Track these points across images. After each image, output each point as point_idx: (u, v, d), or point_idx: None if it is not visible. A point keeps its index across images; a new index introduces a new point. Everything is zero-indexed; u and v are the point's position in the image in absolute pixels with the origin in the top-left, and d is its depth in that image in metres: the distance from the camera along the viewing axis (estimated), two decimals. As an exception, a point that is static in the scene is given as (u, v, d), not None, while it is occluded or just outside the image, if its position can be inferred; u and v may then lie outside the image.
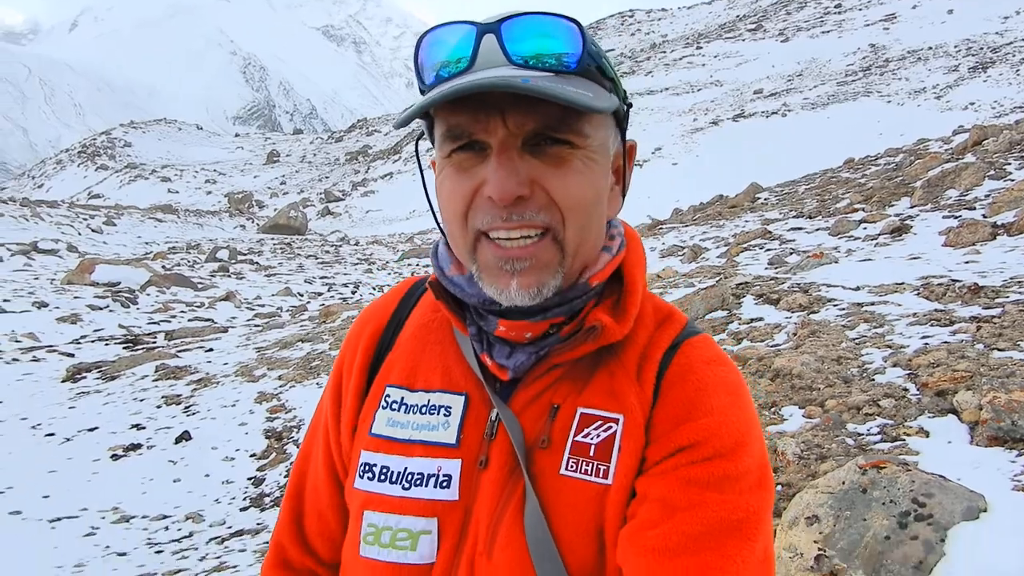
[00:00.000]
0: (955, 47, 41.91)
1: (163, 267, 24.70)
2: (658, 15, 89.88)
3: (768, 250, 10.40)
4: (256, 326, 15.03)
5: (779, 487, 3.02)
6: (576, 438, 0.97)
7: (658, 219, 20.45)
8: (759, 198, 18.15)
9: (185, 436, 7.19)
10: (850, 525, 2.38)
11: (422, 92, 0.95)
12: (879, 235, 9.66)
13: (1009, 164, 11.20)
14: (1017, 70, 34.31)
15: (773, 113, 38.22)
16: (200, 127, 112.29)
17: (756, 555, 0.89)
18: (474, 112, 0.90)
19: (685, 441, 0.93)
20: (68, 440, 7.48)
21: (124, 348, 13.26)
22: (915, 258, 7.29)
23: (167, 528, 5.42)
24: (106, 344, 13.56)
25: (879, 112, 33.64)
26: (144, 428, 7.63)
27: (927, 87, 35.94)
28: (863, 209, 11.80)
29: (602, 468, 0.95)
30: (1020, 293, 4.86)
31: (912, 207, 10.94)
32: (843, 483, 2.50)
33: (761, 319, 5.53)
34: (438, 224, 1.05)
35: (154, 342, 13.86)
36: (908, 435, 3.19)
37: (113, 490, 6.18)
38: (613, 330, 0.98)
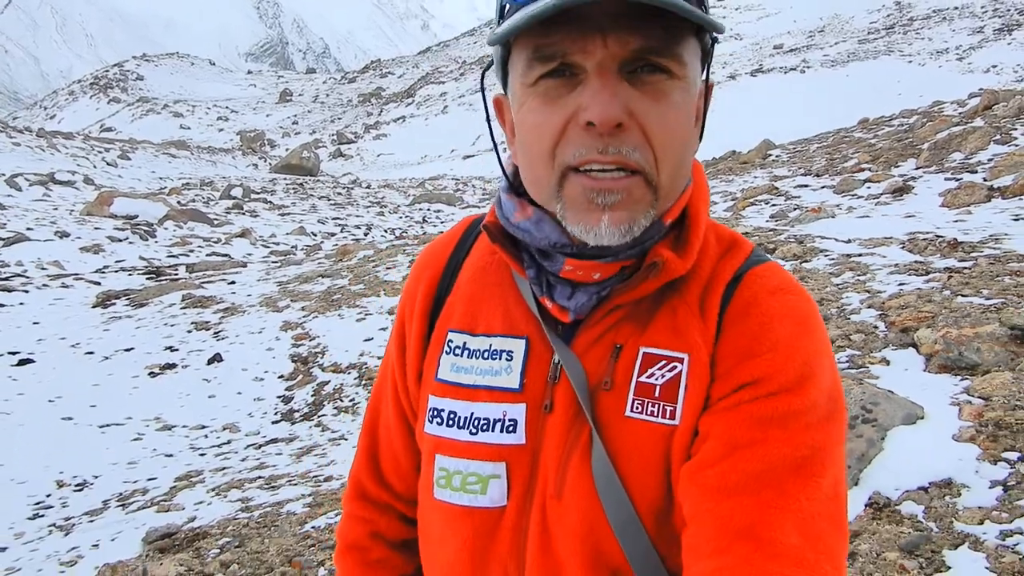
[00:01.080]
0: (981, 7, 41.32)
1: (178, 203, 25.04)
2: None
3: (773, 205, 10.74)
4: (274, 262, 15.49)
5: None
6: (640, 379, 0.95)
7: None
8: (771, 155, 18.38)
9: (216, 358, 7.73)
10: (808, 427, 2.88)
11: (501, 12, 0.91)
12: (881, 194, 9.96)
13: (1016, 129, 11.36)
14: (1044, 34, 34.10)
15: (792, 69, 38.00)
16: (213, 63, 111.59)
17: (822, 491, 0.86)
18: (569, 30, 0.84)
19: (748, 377, 0.91)
20: (107, 359, 8.02)
21: (147, 279, 13.72)
22: (910, 216, 7.68)
23: (207, 436, 5.96)
24: (129, 275, 14.02)
25: (900, 72, 33.30)
26: (177, 350, 8.16)
27: (950, 48, 35.58)
28: (869, 169, 12.03)
29: (668, 409, 0.93)
30: (994, 249, 5.29)
31: (917, 168, 11.18)
32: None
33: (758, 267, 5.97)
34: (501, 165, 1.04)
35: (176, 274, 14.33)
36: (872, 364, 3.67)
37: (153, 403, 6.73)
38: (675, 265, 0.94)
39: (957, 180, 9.46)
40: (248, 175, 39.88)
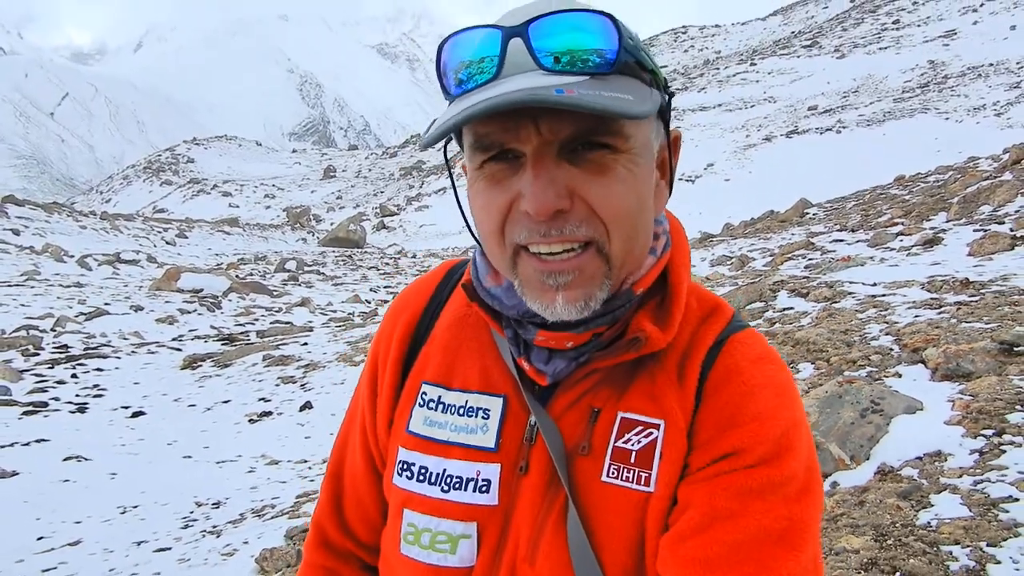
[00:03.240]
0: (1017, 64, 41.43)
1: (238, 276, 26.22)
2: (711, 31, 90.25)
3: (810, 259, 11.41)
4: (338, 326, 16.47)
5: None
6: (617, 443, 0.95)
7: (710, 233, 21.35)
8: (807, 213, 18.98)
9: (307, 405, 8.62)
10: (828, 416, 3.65)
11: (447, 98, 0.91)
12: (912, 246, 10.47)
13: None
14: (1080, 87, 33.98)
15: (827, 130, 38.39)
16: (259, 143, 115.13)
17: (801, 565, 0.87)
18: (504, 121, 0.85)
19: (729, 448, 0.91)
20: (208, 409, 8.96)
21: (223, 344, 14.73)
22: (935, 264, 8.35)
23: (311, 468, 6.79)
24: (205, 341, 15.00)
25: (936, 129, 33.04)
26: (270, 400, 9.08)
27: (987, 104, 35.54)
28: (902, 223, 12.52)
29: (643, 475, 0.93)
30: (1001, 286, 6.02)
31: (947, 221, 11.69)
32: (826, 392, 3.78)
33: (792, 308, 6.73)
34: (472, 234, 1.03)
35: (248, 339, 15.34)
36: (887, 377, 4.41)
37: (257, 444, 7.60)
38: (657, 339, 0.95)
39: (984, 231, 10.00)
40: (298, 249, 41.18)
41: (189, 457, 7.29)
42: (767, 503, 0.88)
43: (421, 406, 1.05)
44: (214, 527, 5.47)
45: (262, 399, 9.18)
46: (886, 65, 49.37)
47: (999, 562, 2.53)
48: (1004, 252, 8.56)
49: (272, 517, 5.45)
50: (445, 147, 1.00)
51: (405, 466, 1.04)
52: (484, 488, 0.98)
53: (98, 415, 8.68)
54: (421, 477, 1.02)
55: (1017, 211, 10.75)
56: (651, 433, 0.94)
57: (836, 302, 6.52)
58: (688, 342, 0.99)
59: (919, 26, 56.60)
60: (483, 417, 1.01)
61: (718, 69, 63.61)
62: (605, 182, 0.86)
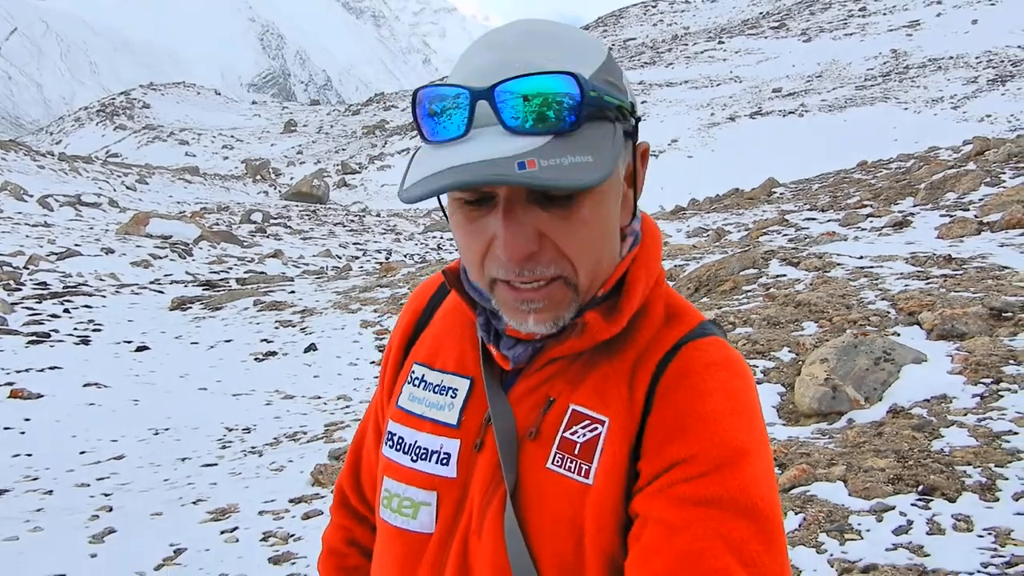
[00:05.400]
0: (976, 58, 42.15)
1: (208, 226, 26.04)
2: (681, 7, 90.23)
3: (785, 235, 11.97)
4: (317, 277, 16.65)
5: (800, 353, 4.71)
6: (565, 434, 0.99)
7: (681, 206, 21.84)
8: (775, 192, 19.51)
9: (312, 347, 8.92)
10: (845, 363, 4.13)
11: (423, 141, 0.94)
12: (883, 227, 11.03)
13: (1004, 173, 12.37)
14: (1036, 86, 34.14)
15: (790, 112, 38.99)
16: (218, 92, 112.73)
17: (763, 571, 0.87)
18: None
19: (678, 455, 0.91)
20: (212, 347, 9.21)
21: (203, 290, 14.81)
22: (910, 243, 8.92)
23: (325, 404, 7.11)
24: (184, 286, 15.05)
25: (896, 118, 33.53)
26: (272, 342, 9.36)
27: (945, 96, 36.27)
28: (871, 206, 13.02)
29: (584, 468, 0.96)
30: (981, 263, 6.58)
31: (915, 206, 12.24)
32: (843, 342, 4.26)
33: (784, 275, 7.23)
34: None
35: (229, 286, 15.44)
36: (887, 336, 4.91)
37: (268, 380, 7.89)
38: (599, 328, 0.98)
39: (951, 216, 10.47)
40: (260, 201, 40.64)
41: (204, 389, 7.57)
42: (724, 514, 0.88)
43: (409, 383, 1.14)
44: (252, 448, 5.79)
45: (264, 340, 9.45)
46: (851, 51, 50.04)
47: (1007, 479, 3.03)
48: (972, 236, 9.14)
49: (308, 441, 5.80)
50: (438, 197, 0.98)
51: (390, 436, 1.12)
52: (444, 461, 1.05)
53: (102, 347, 8.88)
54: (399, 447, 1.10)
55: (981, 199, 11.30)
56: (595, 428, 0.98)
57: (827, 271, 7.02)
58: (647, 345, 1.02)
59: (885, 14, 57.28)
60: (451, 396, 1.08)
61: (686, 45, 63.90)
62: (570, 227, 0.91)
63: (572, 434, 0.98)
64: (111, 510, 4.55)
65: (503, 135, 0.87)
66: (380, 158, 58.65)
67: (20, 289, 12.17)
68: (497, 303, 0.98)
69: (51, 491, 4.91)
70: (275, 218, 32.35)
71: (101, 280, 15.48)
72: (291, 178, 51.77)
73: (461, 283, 1.07)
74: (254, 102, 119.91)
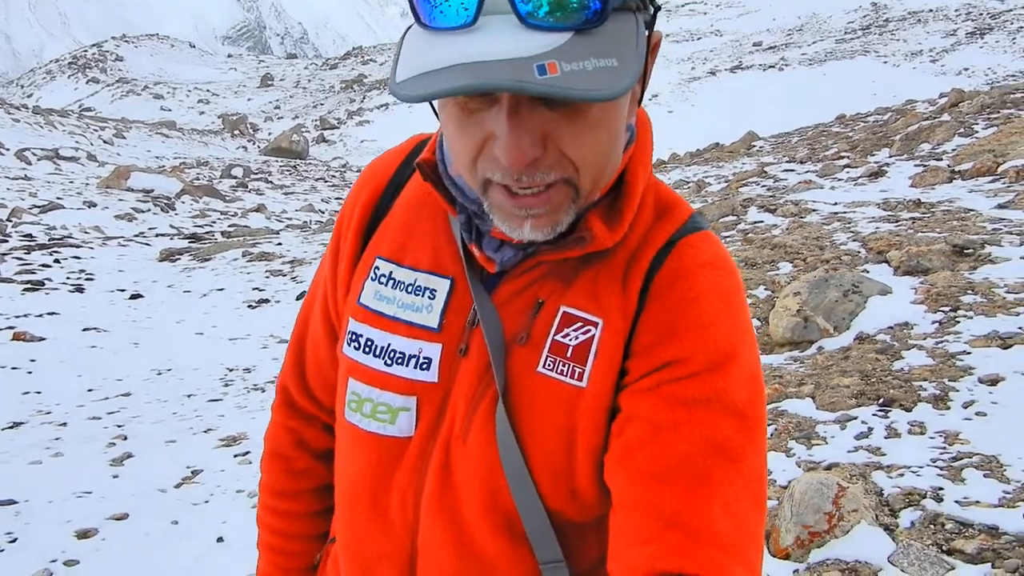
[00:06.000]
0: (955, 11, 42.06)
1: (190, 180, 25.96)
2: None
3: (764, 185, 12.24)
4: (302, 230, 16.79)
5: (772, 286, 5.01)
6: (556, 337, 0.95)
7: (662, 159, 22.03)
8: (754, 146, 19.72)
9: (304, 295, 9.11)
10: (816, 296, 4.45)
11: (417, 24, 0.83)
12: (859, 177, 11.31)
13: (977, 124, 12.63)
14: (1013, 38, 34.57)
15: (771, 67, 38.96)
16: (192, 45, 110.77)
17: (745, 473, 0.88)
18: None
19: (670, 356, 0.91)
20: (204, 296, 9.41)
21: (189, 242, 14.93)
22: (884, 191, 9.23)
23: (322, 347, 7.37)
24: (170, 239, 15.16)
25: (875, 72, 33.45)
26: (264, 290, 9.56)
27: (924, 50, 36.24)
28: (848, 157, 13.29)
29: (578, 371, 0.94)
30: (948, 207, 6.90)
31: (890, 156, 12.51)
32: (815, 276, 4.58)
33: (762, 222, 7.51)
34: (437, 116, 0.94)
35: (215, 239, 15.56)
36: (856, 272, 5.22)
37: (262, 326, 8.11)
38: (603, 237, 0.93)
39: (925, 166, 10.81)
40: (240, 157, 40.38)
41: (201, 334, 7.79)
42: (710, 414, 0.88)
43: (373, 280, 1.06)
44: (255, 385, 6.05)
45: (256, 288, 9.65)
46: (831, 5, 49.89)
47: (958, 391, 3.35)
48: (943, 184, 9.46)
49: (310, 378, 6.05)
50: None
51: (353, 337, 1.05)
52: (425, 366, 1.00)
53: (97, 295, 9.06)
54: (367, 349, 1.03)
55: (954, 149, 11.57)
56: (589, 331, 0.95)
57: (803, 217, 7.31)
58: (638, 243, 0.98)
59: (866, -34, 57.24)
60: (429, 297, 1.02)
61: (668, -1, 63.57)
62: (578, 129, 0.83)
63: (564, 337, 0.95)
64: (126, 438, 4.81)
65: (516, 28, 0.77)
66: (359, 113, 58.09)
67: (7, 240, 12.26)
68: (489, 207, 0.90)
69: (65, 423, 5.17)
70: (255, 173, 32.16)
71: (86, 233, 15.53)
72: (269, 133, 51.26)
73: (440, 177, 1.00)
74: (229, 55, 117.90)
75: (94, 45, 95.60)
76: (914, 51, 36.68)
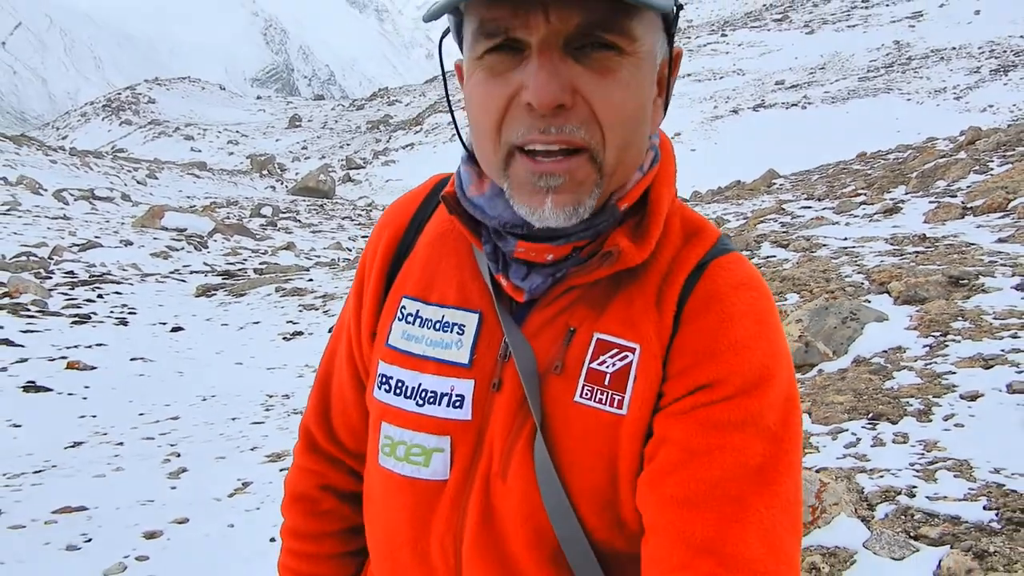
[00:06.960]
0: (979, 48, 42.03)
1: (221, 219, 26.62)
2: (684, 0, 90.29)
3: (780, 222, 12.57)
4: (331, 267, 17.29)
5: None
6: (591, 365, 0.93)
7: (683, 197, 22.32)
8: (775, 183, 20.05)
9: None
10: (817, 322, 4.79)
11: None
12: (874, 214, 11.56)
13: (992, 161, 12.87)
14: (1038, 75, 34.34)
15: (793, 105, 39.08)
16: (223, 87, 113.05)
17: (780, 498, 0.86)
18: (513, 5, 0.81)
19: (705, 379, 0.89)
20: (241, 328, 9.88)
21: (223, 279, 15.44)
22: (896, 227, 9.53)
23: (355, 377, 7.77)
24: (204, 276, 15.70)
25: (898, 110, 33.28)
26: (298, 323, 10.01)
27: (948, 87, 36.19)
28: (865, 194, 13.57)
29: (617, 398, 0.92)
30: (952, 241, 7.22)
31: (906, 193, 12.74)
32: (816, 305, 4.93)
33: (775, 256, 7.88)
34: (460, 139, 1.02)
35: (248, 276, 16.07)
36: (854, 300, 5.55)
37: (299, 356, 8.54)
38: (631, 255, 0.92)
39: (939, 202, 11.04)
40: (268, 196, 41.17)
41: (240, 364, 8.24)
42: (745, 437, 0.87)
43: (400, 320, 1.05)
44: (295, 410, 6.47)
45: (290, 322, 10.11)
46: (853, 43, 50.14)
47: (941, 406, 3.68)
48: (955, 220, 9.75)
49: (346, 404, 6.46)
50: (441, 41, 0.99)
51: (384, 379, 1.04)
52: (458, 403, 0.98)
53: (140, 328, 9.55)
54: (398, 391, 1.02)
55: (969, 186, 11.83)
56: (626, 356, 0.93)
57: (813, 252, 7.66)
58: (669, 265, 0.96)
59: (887, 5, 57.23)
60: (458, 332, 1.00)
61: (689, 38, 64.05)
62: (608, 84, 0.84)
63: (600, 364, 0.93)
64: (179, 455, 5.25)
65: None
66: (384, 153, 58.92)
67: (51, 277, 12.84)
68: (510, 187, 0.90)
69: (121, 443, 5.61)
70: (284, 212, 32.76)
71: (124, 270, 16.08)
72: (296, 173, 52.11)
73: (463, 207, 0.99)
74: (259, 97, 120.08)
75: (127, 88, 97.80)
76: (938, 88, 36.69)
